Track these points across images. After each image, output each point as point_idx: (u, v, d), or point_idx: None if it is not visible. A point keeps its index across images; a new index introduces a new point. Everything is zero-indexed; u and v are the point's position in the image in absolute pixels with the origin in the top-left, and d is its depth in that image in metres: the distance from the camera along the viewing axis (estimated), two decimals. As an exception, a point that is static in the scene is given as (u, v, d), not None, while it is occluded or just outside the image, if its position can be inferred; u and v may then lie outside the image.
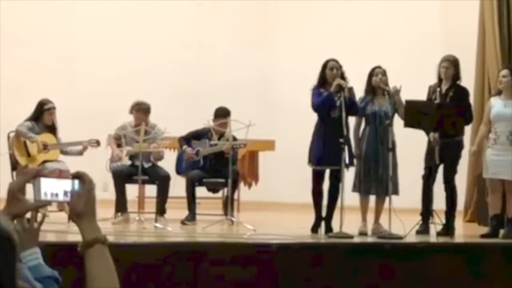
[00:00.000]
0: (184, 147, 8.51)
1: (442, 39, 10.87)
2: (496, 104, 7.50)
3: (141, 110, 8.32)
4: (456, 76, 7.59)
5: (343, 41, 11.11)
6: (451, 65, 7.57)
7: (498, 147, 7.38)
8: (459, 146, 7.56)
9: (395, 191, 7.28)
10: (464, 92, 7.62)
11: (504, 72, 7.62)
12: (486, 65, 9.21)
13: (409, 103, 7.35)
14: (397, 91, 7.35)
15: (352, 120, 7.43)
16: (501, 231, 7.47)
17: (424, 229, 7.37)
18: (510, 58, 9.08)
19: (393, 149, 7.23)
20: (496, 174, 7.40)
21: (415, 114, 7.30)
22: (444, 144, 7.41)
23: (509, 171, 7.33)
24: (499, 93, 7.63)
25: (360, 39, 11.30)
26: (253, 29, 11.86)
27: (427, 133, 7.52)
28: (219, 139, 8.38)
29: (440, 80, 7.62)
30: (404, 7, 11.26)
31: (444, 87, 7.59)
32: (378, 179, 7.33)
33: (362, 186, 7.39)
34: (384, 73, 7.49)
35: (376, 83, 7.44)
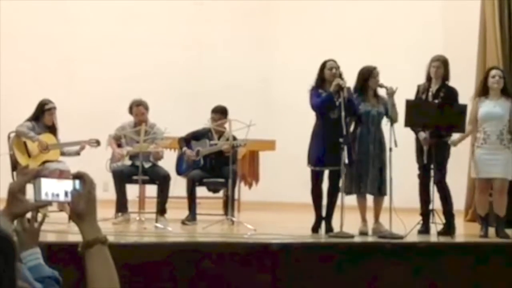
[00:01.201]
0: (184, 148, 8.52)
1: (442, 39, 10.87)
2: (484, 105, 7.50)
3: (142, 105, 8.34)
4: (446, 76, 7.60)
5: (343, 41, 11.11)
6: (442, 65, 7.58)
7: (488, 147, 7.39)
8: (447, 146, 7.56)
9: (385, 192, 7.28)
10: (454, 92, 7.62)
11: (497, 72, 7.61)
12: (487, 65, 9.19)
13: (409, 102, 7.35)
14: (392, 92, 7.32)
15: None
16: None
17: (425, 229, 7.38)
18: (511, 58, 9.07)
19: (390, 148, 7.20)
20: (488, 173, 7.42)
21: (416, 113, 7.31)
22: (433, 144, 7.41)
23: (501, 170, 7.35)
24: (483, 93, 7.60)
25: (360, 39, 11.30)
26: (253, 29, 11.87)
27: (416, 132, 7.53)
28: (218, 138, 8.39)
29: (429, 79, 7.62)
30: (404, 7, 11.26)
31: (434, 87, 7.60)
32: (371, 179, 7.32)
33: (355, 187, 7.37)
34: (378, 74, 7.49)
35: (374, 85, 7.42)
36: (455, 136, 7.60)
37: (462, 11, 10.54)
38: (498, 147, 7.37)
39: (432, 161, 7.44)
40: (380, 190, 7.33)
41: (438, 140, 7.43)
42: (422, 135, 7.46)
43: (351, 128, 7.47)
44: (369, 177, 7.31)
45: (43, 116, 8.19)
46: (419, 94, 7.67)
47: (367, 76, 7.46)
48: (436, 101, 7.50)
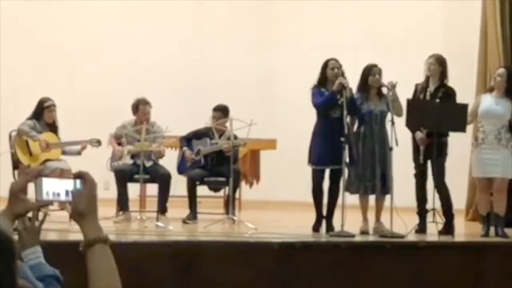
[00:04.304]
0: (184, 149, 8.52)
1: (444, 39, 10.85)
2: (486, 100, 7.51)
3: (148, 103, 8.37)
4: (443, 75, 7.58)
5: (344, 40, 11.09)
6: (436, 62, 7.55)
7: (486, 146, 7.40)
8: (444, 145, 7.54)
9: (388, 191, 7.26)
10: (452, 92, 7.60)
11: (501, 71, 7.62)
12: (488, 64, 9.19)
13: (410, 102, 7.34)
14: (393, 86, 7.30)
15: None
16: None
17: (421, 228, 7.38)
18: (512, 57, 9.08)
19: (391, 148, 7.20)
20: (488, 173, 7.43)
21: (416, 113, 7.30)
22: (430, 144, 7.40)
23: (499, 169, 7.36)
24: (490, 91, 7.64)
25: (361, 38, 11.27)
26: (254, 28, 11.85)
27: (413, 132, 7.51)
28: (219, 137, 8.40)
29: (427, 79, 7.61)
30: (405, 7, 11.24)
31: (432, 86, 7.58)
32: (374, 179, 7.32)
33: (357, 186, 7.36)
34: (380, 72, 7.47)
35: (374, 83, 7.41)
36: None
37: (463, 11, 10.53)
38: (496, 146, 7.37)
39: (429, 161, 7.45)
40: (383, 190, 7.32)
41: (435, 139, 7.41)
42: (419, 134, 7.46)
43: (355, 128, 7.46)
44: (375, 177, 7.30)
45: (43, 114, 8.20)
46: (417, 93, 7.65)
47: (367, 74, 7.45)
48: (433, 100, 7.50)
